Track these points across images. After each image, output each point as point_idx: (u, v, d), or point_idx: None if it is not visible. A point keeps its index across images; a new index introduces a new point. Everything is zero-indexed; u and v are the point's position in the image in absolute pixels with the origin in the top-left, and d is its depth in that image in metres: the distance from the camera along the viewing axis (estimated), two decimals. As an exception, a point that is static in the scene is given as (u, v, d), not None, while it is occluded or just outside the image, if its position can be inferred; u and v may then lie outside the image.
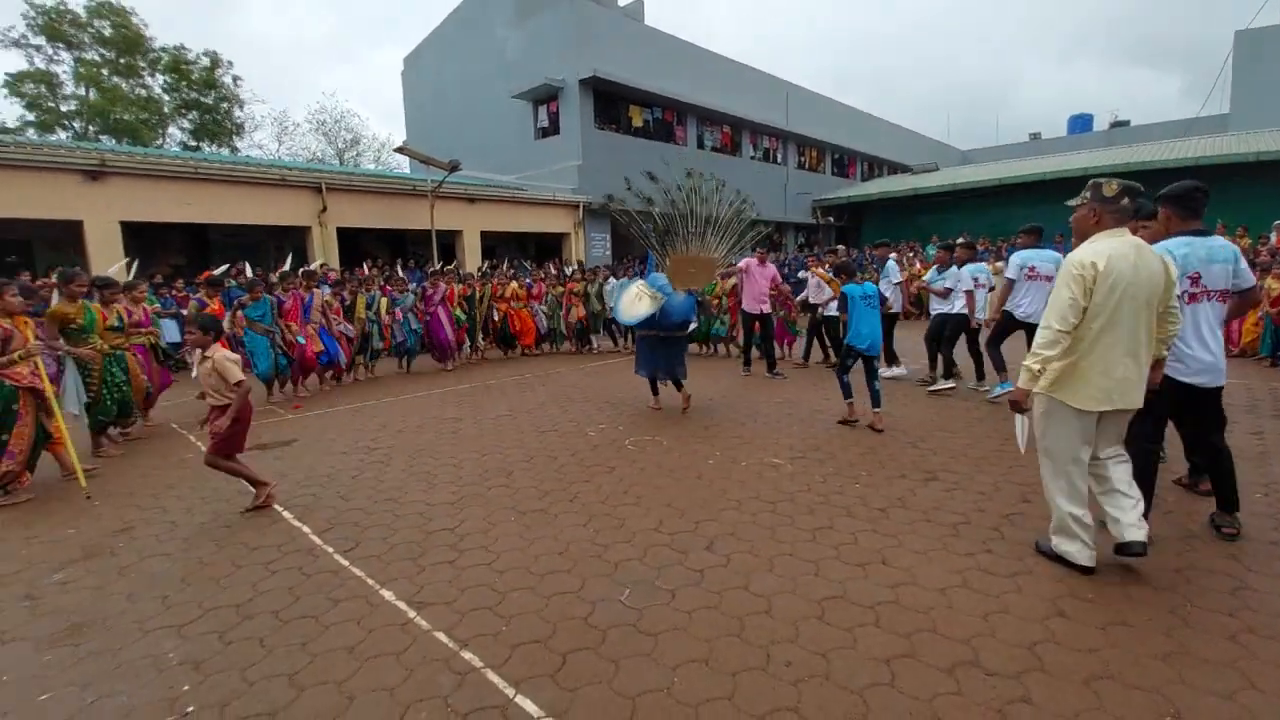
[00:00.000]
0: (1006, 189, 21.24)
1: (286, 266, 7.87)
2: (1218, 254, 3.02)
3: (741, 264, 8.30)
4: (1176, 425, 3.33)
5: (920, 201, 24.34)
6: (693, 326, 6.62)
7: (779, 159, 25.18)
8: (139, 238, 11.71)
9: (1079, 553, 2.79)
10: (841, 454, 4.72)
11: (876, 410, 5.37)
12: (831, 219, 27.28)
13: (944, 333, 6.85)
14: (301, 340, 7.18)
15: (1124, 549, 2.71)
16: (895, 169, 31.53)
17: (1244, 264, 3.09)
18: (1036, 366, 2.66)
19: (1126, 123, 34.72)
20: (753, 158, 23.81)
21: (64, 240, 11.02)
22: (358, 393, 7.87)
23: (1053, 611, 2.53)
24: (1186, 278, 2.98)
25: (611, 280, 10.72)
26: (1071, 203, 2.85)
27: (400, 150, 13.70)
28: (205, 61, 27.45)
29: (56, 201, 9.82)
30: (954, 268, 6.83)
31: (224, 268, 7.96)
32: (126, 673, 2.36)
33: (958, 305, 6.75)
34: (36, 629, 2.70)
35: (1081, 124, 36.68)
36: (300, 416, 6.65)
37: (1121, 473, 2.80)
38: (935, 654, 2.29)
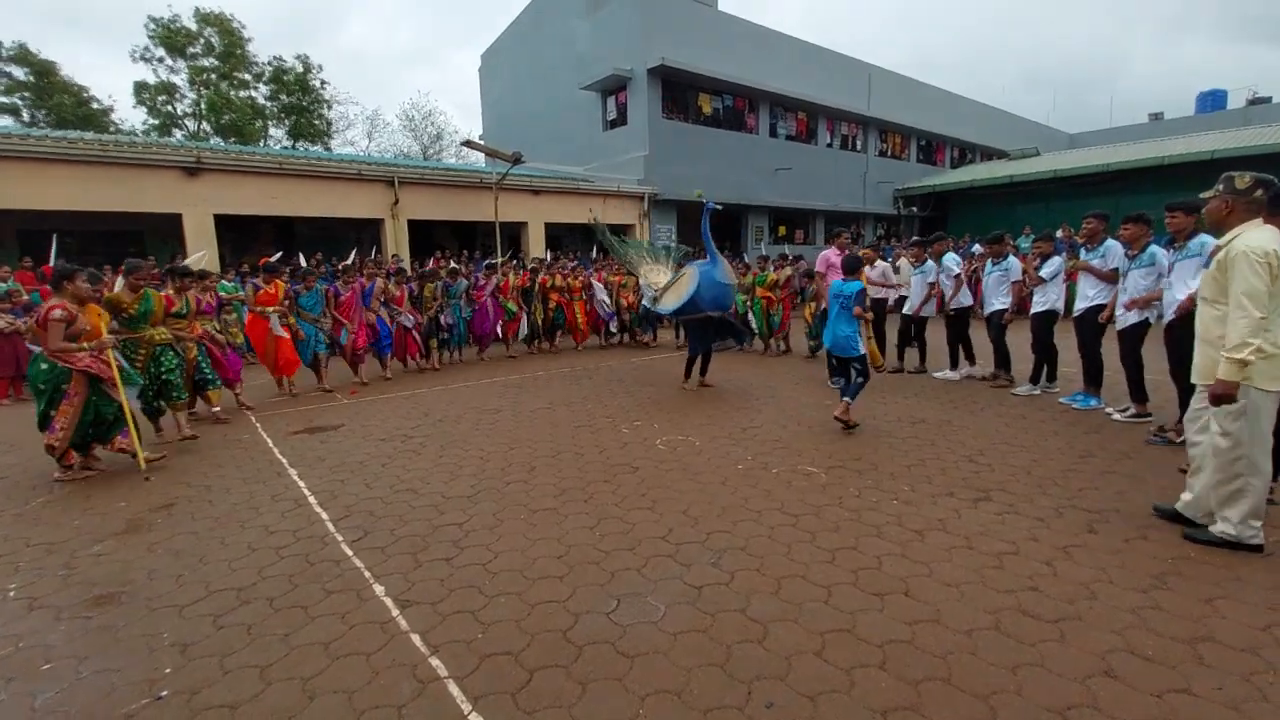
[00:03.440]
0: (1119, 175, 19.20)
1: (350, 260, 8.22)
2: None
3: (820, 257, 7.74)
4: None
5: (1017, 190, 22.49)
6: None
7: (858, 146, 23.96)
8: (232, 229, 12.63)
9: (1259, 535, 2.90)
10: (885, 465, 4.33)
11: (846, 399, 5.20)
12: (915, 209, 25.72)
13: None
14: (345, 336, 7.50)
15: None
16: (990, 155, 29.28)
17: None
18: (1251, 356, 2.68)
19: (1268, 99, 30.56)
20: (829, 145, 22.77)
21: (169, 232, 12.04)
22: (412, 381, 8.11)
23: (1099, 669, 2.15)
24: None
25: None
26: (1205, 194, 3.04)
27: (466, 144, 14.07)
28: (298, 67, 29.55)
29: (161, 196, 10.73)
30: (1056, 258, 6.24)
31: (277, 255, 8.41)
32: (122, 650, 2.45)
33: (1051, 300, 6.23)
34: (64, 598, 2.86)
35: (1213, 101, 32.54)
36: (354, 402, 6.91)
37: None
38: (944, 710, 1.98)
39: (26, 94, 25.94)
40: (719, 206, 7.09)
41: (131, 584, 2.97)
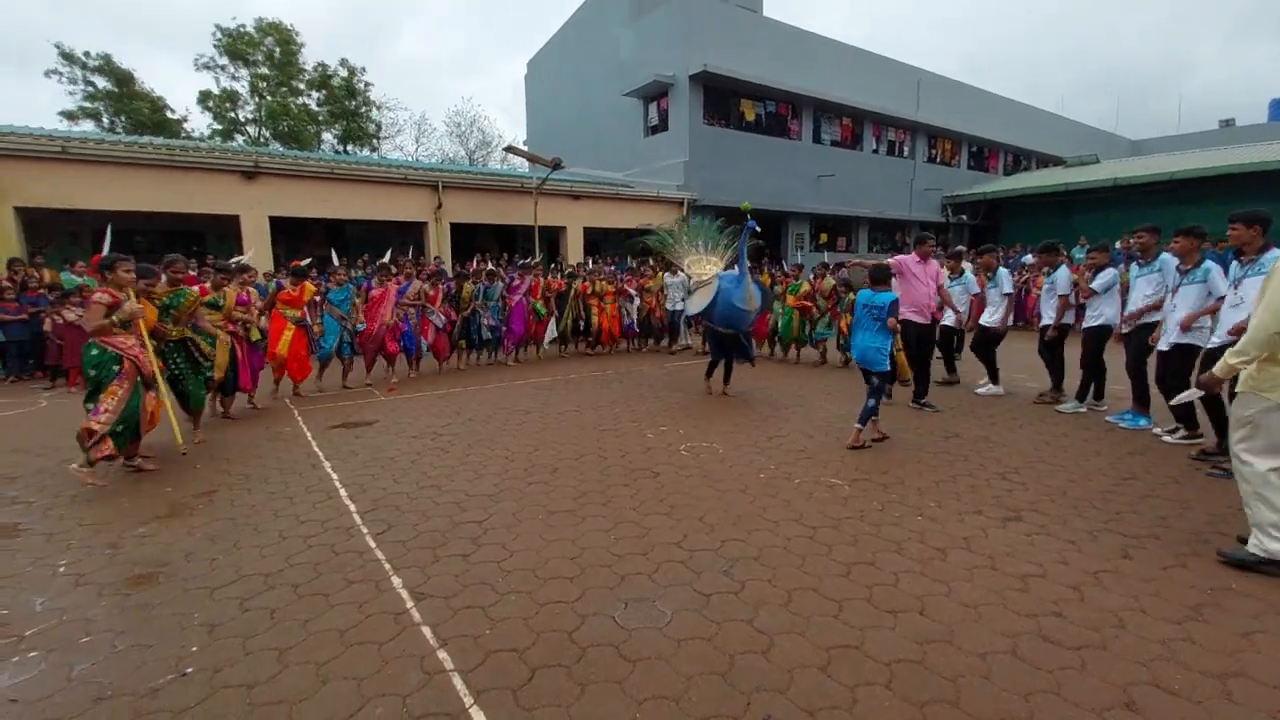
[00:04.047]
0: (1184, 184, 18.25)
1: (385, 259, 8.55)
2: None
3: (893, 261, 6.19)
4: None
5: (1074, 198, 21.63)
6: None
7: (905, 152, 23.46)
8: (285, 231, 13.19)
9: None
10: (912, 480, 4.22)
11: (857, 425, 4.98)
12: (964, 217, 25.02)
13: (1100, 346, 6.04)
14: (360, 327, 7.62)
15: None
16: (1045, 161, 28.27)
17: None
18: (1245, 365, 2.81)
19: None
20: (875, 151, 22.36)
21: (228, 233, 12.66)
22: (447, 380, 8.31)
23: (1119, 701, 2.05)
24: None
25: (674, 276, 10.38)
26: None
27: (509, 150, 14.34)
28: (344, 71, 30.86)
29: (220, 198, 11.31)
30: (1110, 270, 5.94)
31: (307, 260, 8.74)
32: (155, 627, 2.59)
33: (1105, 314, 5.93)
34: (107, 576, 3.05)
35: (1289, 107, 30.69)
36: (391, 399, 7.12)
37: None
38: (947, 733, 1.93)
39: (109, 101, 27.76)
40: (759, 229, 6.99)
41: (169, 565, 3.14)
